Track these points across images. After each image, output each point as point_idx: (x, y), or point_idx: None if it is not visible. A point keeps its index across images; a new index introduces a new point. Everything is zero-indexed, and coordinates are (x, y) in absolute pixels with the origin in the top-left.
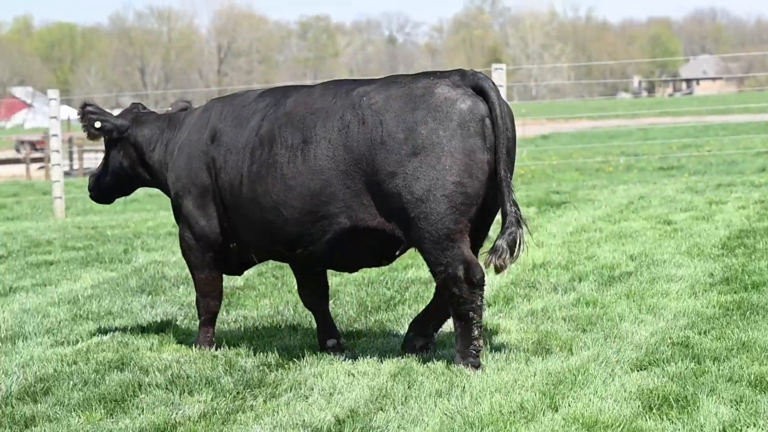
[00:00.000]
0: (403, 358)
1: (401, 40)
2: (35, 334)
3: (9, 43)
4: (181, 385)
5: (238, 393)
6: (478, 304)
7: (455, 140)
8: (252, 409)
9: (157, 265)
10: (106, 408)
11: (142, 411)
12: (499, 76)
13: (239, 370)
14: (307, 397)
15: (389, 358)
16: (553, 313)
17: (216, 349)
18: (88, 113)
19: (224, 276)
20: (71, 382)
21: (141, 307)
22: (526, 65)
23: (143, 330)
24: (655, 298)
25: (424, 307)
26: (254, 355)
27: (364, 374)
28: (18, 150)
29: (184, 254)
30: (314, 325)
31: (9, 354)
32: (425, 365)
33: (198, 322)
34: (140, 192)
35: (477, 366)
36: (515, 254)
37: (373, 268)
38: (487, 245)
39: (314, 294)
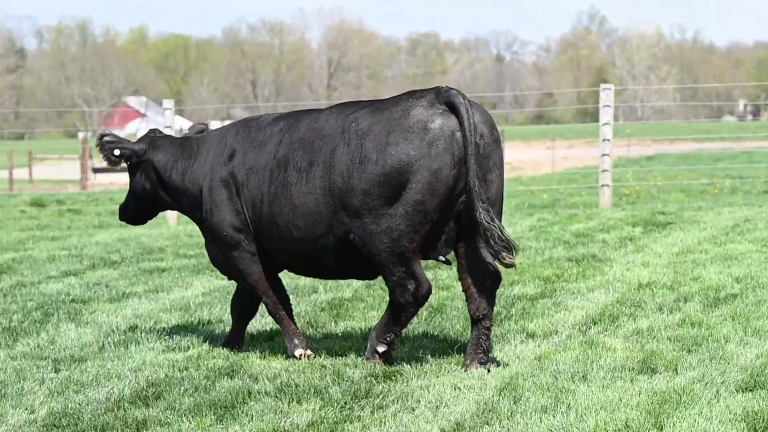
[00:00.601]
0: (509, 372)
1: (509, 59)
2: (147, 339)
3: (125, 53)
4: (290, 393)
5: (345, 403)
6: (411, 314)
7: (423, 159)
8: (359, 420)
9: None
10: (216, 414)
11: (252, 418)
12: (607, 96)
13: (347, 381)
14: (413, 410)
15: (495, 372)
16: (658, 332)
17: (318, 356)
18: (106, 143)
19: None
20: (182, 388)
21: None
22: (632, 86)
23: (253, 338)
24: (761, 320)
25: (527, 322)
26: (362, 366)
27: (470, 388)
28: None
29: (233, 270)
30: (422, 336)
31: (122, 358)
32: (531, 380)
33: (280, 327)
34: None
35: (385, 346)
36: (512, 248)
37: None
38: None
39: (246, 307)
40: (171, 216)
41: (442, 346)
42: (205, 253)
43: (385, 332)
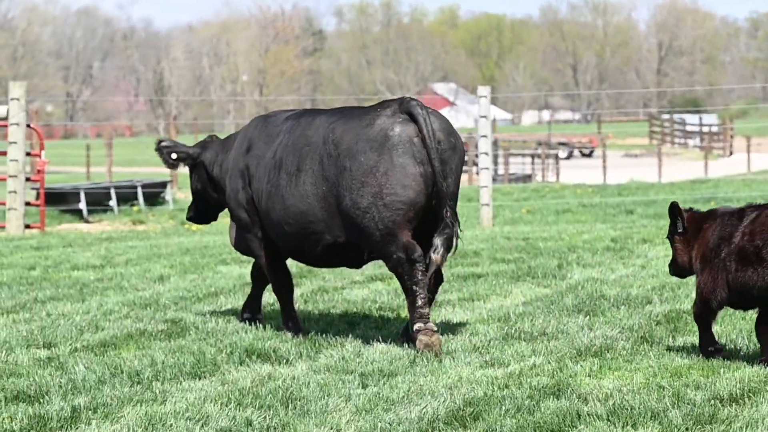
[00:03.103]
0: None
1: None
2: (463, 352)
3: (432, 35)
4: (624, 416)
5: (687, 429)
6: (419, 278)
7: (387, 162)
8: None
9: (595, 282)
10: None
11: None
12: None
13: (688, 404)
14: None
15: None
16: None
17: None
18: (164, 147)
19: None
20: (503, 408)
21: (578, 328)
22: None
23: (580, 354)
24: None
25: None
26: (704, 387)
27: None
28: None
29: (248, 251)
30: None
31: (435, 374)
32: None
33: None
34: (573, 202)
35: (424, 330)
36: (451, 250)
37: None
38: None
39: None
40: (485, 216)
41: None
42: (525, 258)
43: (412, 313)
